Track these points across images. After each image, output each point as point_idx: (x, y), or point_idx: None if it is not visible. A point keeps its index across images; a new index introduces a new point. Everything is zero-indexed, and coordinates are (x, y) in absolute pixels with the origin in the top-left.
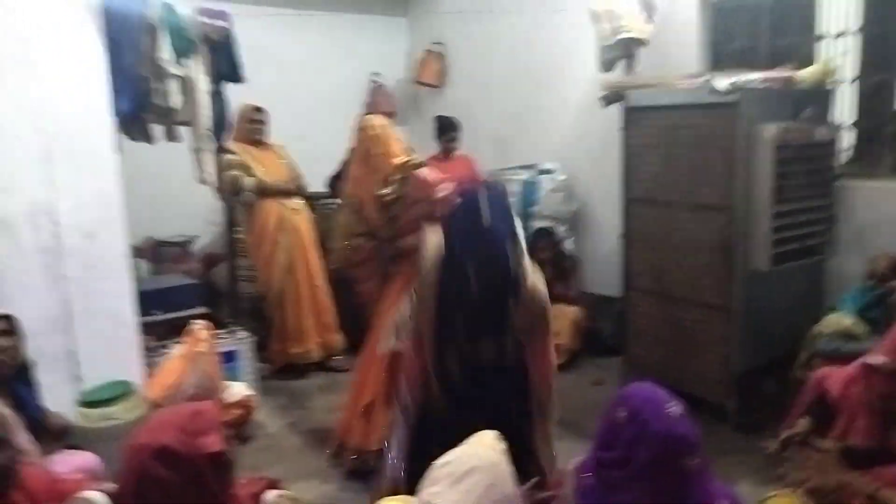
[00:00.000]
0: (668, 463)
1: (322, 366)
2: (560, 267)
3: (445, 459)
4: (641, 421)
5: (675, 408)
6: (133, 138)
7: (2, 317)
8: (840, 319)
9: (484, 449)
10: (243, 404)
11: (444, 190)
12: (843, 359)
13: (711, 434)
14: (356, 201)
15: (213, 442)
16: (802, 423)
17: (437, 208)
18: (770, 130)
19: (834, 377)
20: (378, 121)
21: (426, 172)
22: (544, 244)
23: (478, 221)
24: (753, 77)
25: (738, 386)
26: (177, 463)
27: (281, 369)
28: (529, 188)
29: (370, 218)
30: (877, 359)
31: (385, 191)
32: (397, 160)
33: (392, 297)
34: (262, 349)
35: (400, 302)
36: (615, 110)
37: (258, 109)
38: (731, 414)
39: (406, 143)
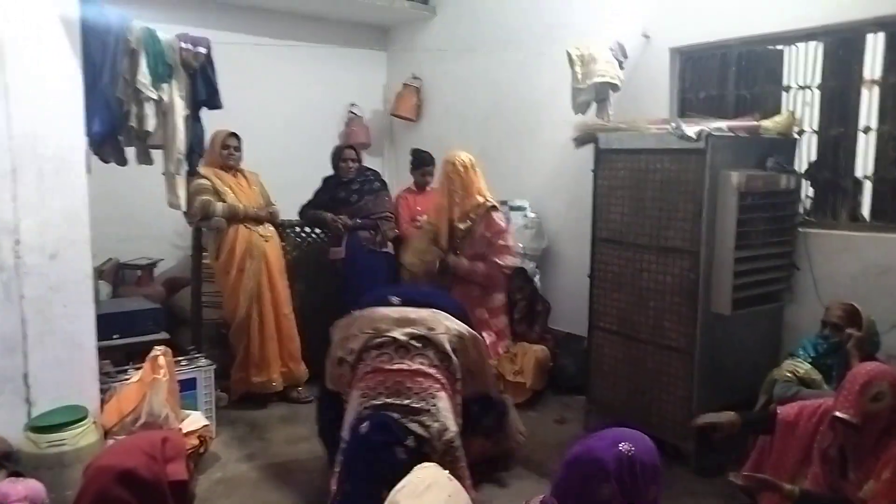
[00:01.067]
0: (581, 482)
1: (284, 396)
2: (532, 308)
3: (401, 484)
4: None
5: (625, 446)
6: (104, 159)
7: None
8: (796, 366)
9: (432, 471)
10: (199, 435)
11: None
12: None
13: (672, 476)
14: (433, 230)
15: (179, 470)
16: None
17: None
18: (735, 177)
19: (790, 410)
20: (465, 156)
21: (501, 217)
22: (518, 284)
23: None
24: (720, 125)
25: (698, 429)
26: (141, 488)
27: (241, 398)
28: None
29: (441, 247)
30: (845, 413)
31: (461, 225)
32: (481, 199)
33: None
34: (223, 377)
35: None
36: (587, 151)
37: (233, 135)
38: (691, 456)
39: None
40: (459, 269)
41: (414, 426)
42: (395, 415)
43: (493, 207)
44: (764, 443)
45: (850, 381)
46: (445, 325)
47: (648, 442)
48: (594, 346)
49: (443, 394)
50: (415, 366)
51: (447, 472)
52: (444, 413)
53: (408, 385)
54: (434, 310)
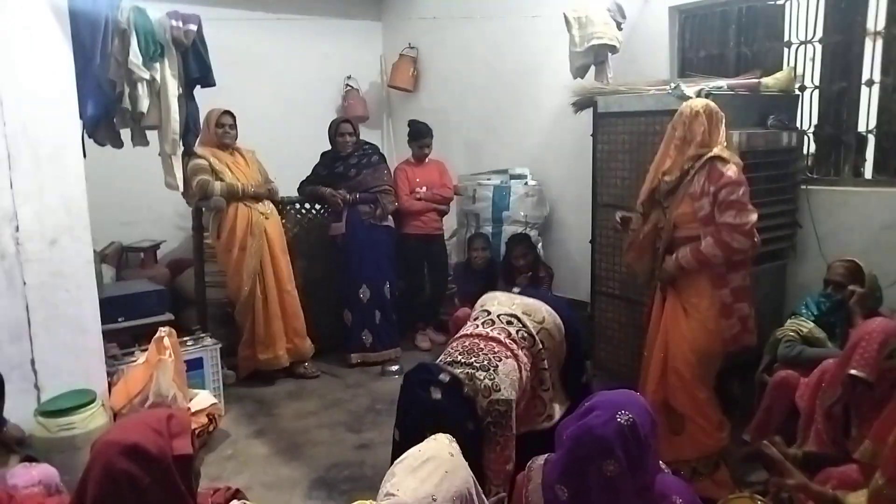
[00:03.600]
0: (584, 460)
1: (291, 372)
2: (536, 276)
3: (402, 457)
4: (585, 416)
5: (624, 416)
6: (100, 143)
7: None
8: (800, 324)
9: (437, 444)
10: (208, 413)
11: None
12: (802, 364)
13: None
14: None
15: (184, 445)
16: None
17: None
18: (735, 136)
19: (802, 388)
20: (696, 103)
21: (731, 167)
22: (521, 251)
23: None
24: (721, 84)
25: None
26: (146, 462)
27: (249, 376)
28: (501, 193)
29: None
30: (862, 372)
31: (667, 178)
32: (703, 151)
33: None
34: (229, 356)
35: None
36: (586, 116)
37: (227, 114)
38: None
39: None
40: (669, 267)
41: (458, 370)
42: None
43: (718, 157)
44: (769, 402)
45: (865, 339)
46: (544, 315)
47: (640, 400)
48: (597, 312)
49: (511, 362)
50: (493, 333)
51: (456, 446)
52: (503, 377)
53: (480, 346)
54: (545, 304)
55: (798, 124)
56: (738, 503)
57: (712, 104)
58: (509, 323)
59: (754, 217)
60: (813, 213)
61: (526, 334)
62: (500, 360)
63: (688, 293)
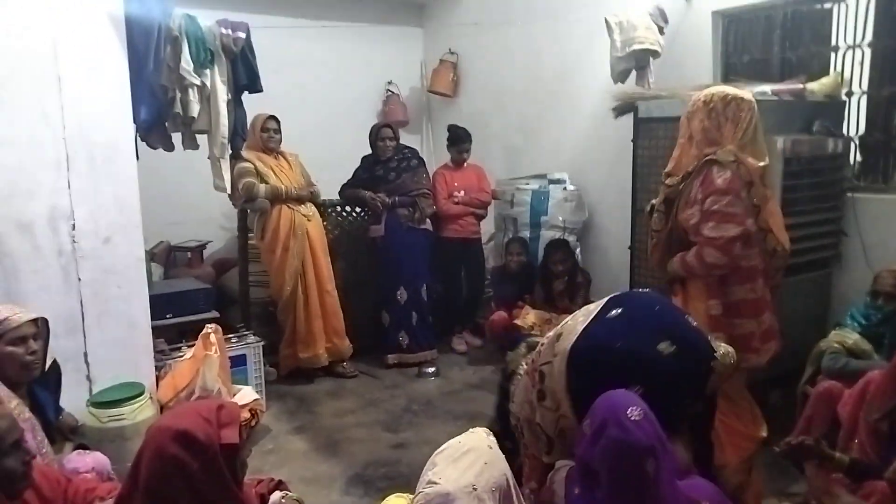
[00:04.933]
0: (628, 470)
1: (330, 371)
2: (573, 281)
3: (442, 448)
4: (602, 432)
5: (635, 413)
6: (152, 146)
7: (35, 320)
8: (844, 336)
9: (476, 436)
10: (251, 408)
11: None
12: (847, 376)
13: None
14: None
15: (231, 434)
16: (818, 439)
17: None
18: (780, 142)
19: (845, 398)
20: (709, 92)
21: (722, 172)
22: (560, 256)
23: None
24: (765, 89)
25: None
26: (194, 447)
27: (289, 374)
28: (539, 198)
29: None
30: None
31: (669, 181)
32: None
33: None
34: (271, 353)
35: None
36: (627, 121)
37: (272, 119)
38: None
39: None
40: (669, 269)
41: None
42: None
43: (714, 161)
44: (811, 412)
45: None
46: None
47: (623, 392)
48: None
49: (526, 379)
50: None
51: (493, 439)
52: (515, 393)
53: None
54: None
55: (844, 131)
56: None
57: (722, 93)
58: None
59: (734, 232)
60: (859, 221)
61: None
62: (519, 377)
63: (690, 295)
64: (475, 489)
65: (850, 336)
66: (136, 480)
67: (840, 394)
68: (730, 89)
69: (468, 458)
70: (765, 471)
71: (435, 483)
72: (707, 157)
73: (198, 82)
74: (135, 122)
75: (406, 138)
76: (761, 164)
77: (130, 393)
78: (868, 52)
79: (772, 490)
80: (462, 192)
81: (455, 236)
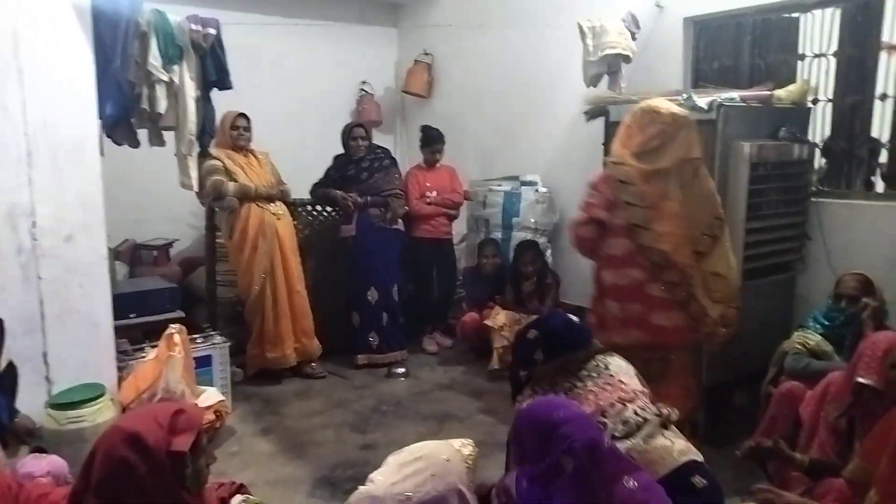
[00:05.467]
0: (594, 467)
1: (298, 372)
2: (543, 282)
3: (400, 450)
4: (567, 432)
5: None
6: (117, 142)
7: None
8: (807, 337)
9: (438, 447)
10: (216, 410)
11: None
12: (809, 376)
13: None
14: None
15: (183, 442)
16: (776, 440)
17: None
18: (747, 148)
19: (807, 399)
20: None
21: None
22: (530, 257)
23: None
24: (733, 95)
25: (709, 399)
26: (142, 451)
27: (257, 375)
28: (511, 199)
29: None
30: (869, 379)
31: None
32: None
33: None
34: (238, 354)
35: None
36: (599, 125)
37: (242, 116)
38: (701, 427)
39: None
40: None
41: None
42: None
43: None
44: (774, 412)
45: (869, 349)
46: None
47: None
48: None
49: None
50: None
51: (465, 453)
52: None
53: None
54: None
55: (810, 137)
56: None
57: (647, 105)
58: None
59: (579, 217)
60: (823, 225)
61: None
62: None
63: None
64: (408, 498)
65: (813, 337)
66: (88, 478)
67: (802, 395)
68: (660, 104)
69: (415, 465)
70: (729, 472)
71: (371, 482)
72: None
73: (166, 78)
74: (100, 117)
75: (379, 138)
76: (645, 166)
77: (91, 394)
78: (833, 61)
79: (735, 489)
80: (434, 193)
81: (427, 236)
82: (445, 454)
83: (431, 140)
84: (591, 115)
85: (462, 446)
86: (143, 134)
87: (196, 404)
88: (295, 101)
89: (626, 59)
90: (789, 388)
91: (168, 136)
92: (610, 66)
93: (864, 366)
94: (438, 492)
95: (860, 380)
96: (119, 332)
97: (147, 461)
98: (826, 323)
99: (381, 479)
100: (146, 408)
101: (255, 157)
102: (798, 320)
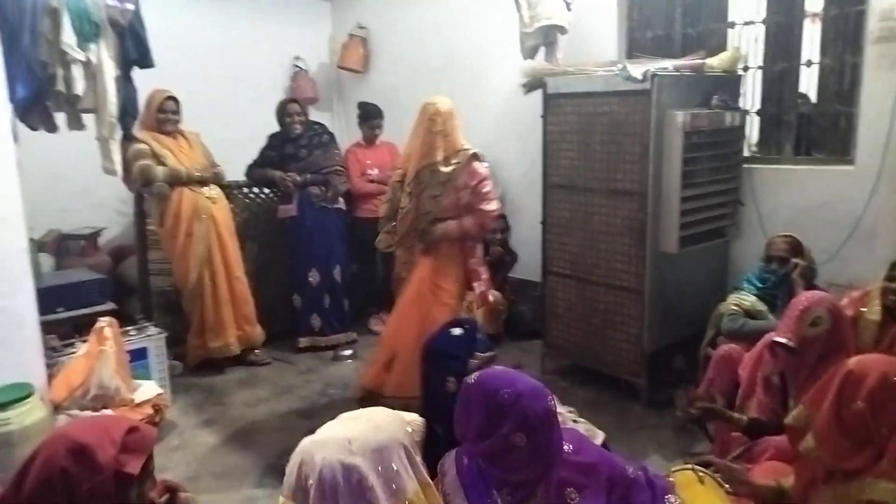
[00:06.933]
0: (548, 437)
1: (242, 360)
2: (502, 259)
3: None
4: (523, 407)
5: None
6: (32, 127)
7: None
8: (742, 299)
9: (381, 411)
10: (154, 404)
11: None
12: (745, 337)
13: (625, 411)
14: (402, 174)
15: (133, 464)
16: (718, 400)
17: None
18: (680, 116)
19: (745, 360)
20: (446, 101)
21: (481, 165)
22: (502, 227)
23: None
24: (666, 64)
25: (649, 364)
26: (87, 466)
27: (198, 366)
28: None
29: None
30: (783, 337)
31: (444, 169)
32: (466, 145)
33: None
34: (177, 345)
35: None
36: (537, 97)
37: (171, 99)
38: (643, 391)
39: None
40: (451, 233)
41: None
42: None
43: (475, 155)
44: (713, 374)
45: (791, 308)
46: None
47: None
48: (548, 291)
49: None
50: None
51: (406, 419)
52: None
53: None
54: None
55: (741, 104)
56: (681, 476)
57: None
58: None
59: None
60: (755, 191)
61: None
62: None
63: (442, 254)
64: (349, 443)
65: (748, 298)
66: (20, 487)
67: (740, 357)
68: (436, 100)
69: (357, 420)
70: (671, 432)
71: (312, 435)
72: (473, 152)
73: (82, 58)
74: (11, 101)
75: (316, 115)
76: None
77: (17, 395)
78: (762, 28)
79: (676, 451)
80: (375, 171)
81: (369, 216)
82: (387, 414)
83: (369, 115)
84: (529, 87)
85: (407, 417)
86: (61, 118)
87: (128, 398)
88: (224, 79)
89: (562, 30)
90: (727, 350)
91: (88, 119)
92: (546, 38)
93: (783, 325)
94: (379, 441)
95: (775, 338)
96: (47, 327)
97: (91, 477)
98: (759, 284)
99: (322, 430)
100: (100, 418)
101: (185, 138)
102: (734, 284)
